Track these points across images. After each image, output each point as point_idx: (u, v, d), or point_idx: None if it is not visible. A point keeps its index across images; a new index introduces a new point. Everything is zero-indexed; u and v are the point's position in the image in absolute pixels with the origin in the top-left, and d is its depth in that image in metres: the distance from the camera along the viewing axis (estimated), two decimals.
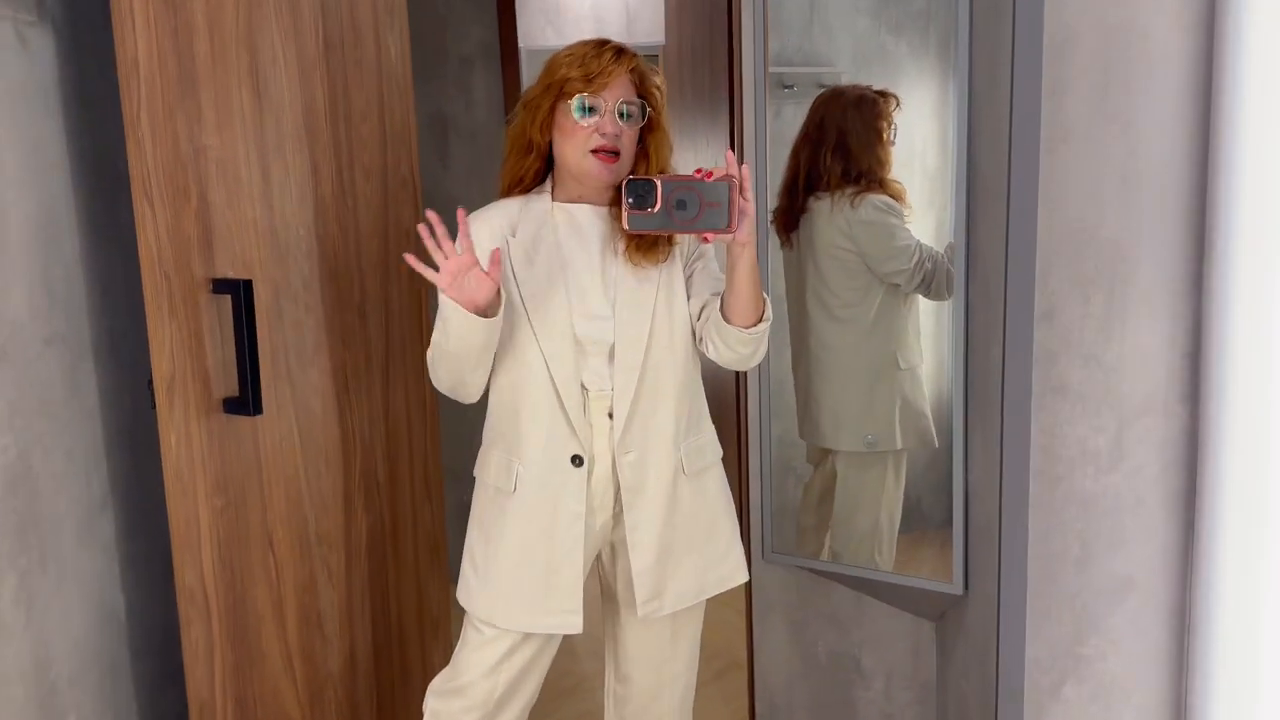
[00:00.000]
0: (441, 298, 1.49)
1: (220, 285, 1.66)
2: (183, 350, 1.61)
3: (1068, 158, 1.15)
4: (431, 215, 1.45)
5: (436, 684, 1.72)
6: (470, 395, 1.62)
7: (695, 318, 1.63)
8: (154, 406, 1.61)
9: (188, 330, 1.62)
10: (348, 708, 1.99)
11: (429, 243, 1.44)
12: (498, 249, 1.47)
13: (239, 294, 1.66)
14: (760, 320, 1.53)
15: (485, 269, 1.46)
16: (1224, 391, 1.01)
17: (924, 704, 2.13)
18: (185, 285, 1.61)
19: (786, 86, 2.04)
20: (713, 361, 1.63)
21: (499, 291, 1.49)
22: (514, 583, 1.63)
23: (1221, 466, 1.03)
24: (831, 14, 1.98)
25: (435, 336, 1.56)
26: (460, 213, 1.46)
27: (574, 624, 1.63)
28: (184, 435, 1.63)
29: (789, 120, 2.04)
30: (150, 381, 1.61)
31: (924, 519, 2.00)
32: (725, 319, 1.53)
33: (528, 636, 1.66)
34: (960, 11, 1.73)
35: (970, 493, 1.83)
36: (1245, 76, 0.96)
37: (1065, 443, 1.21)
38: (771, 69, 2.01)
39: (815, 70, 2.03)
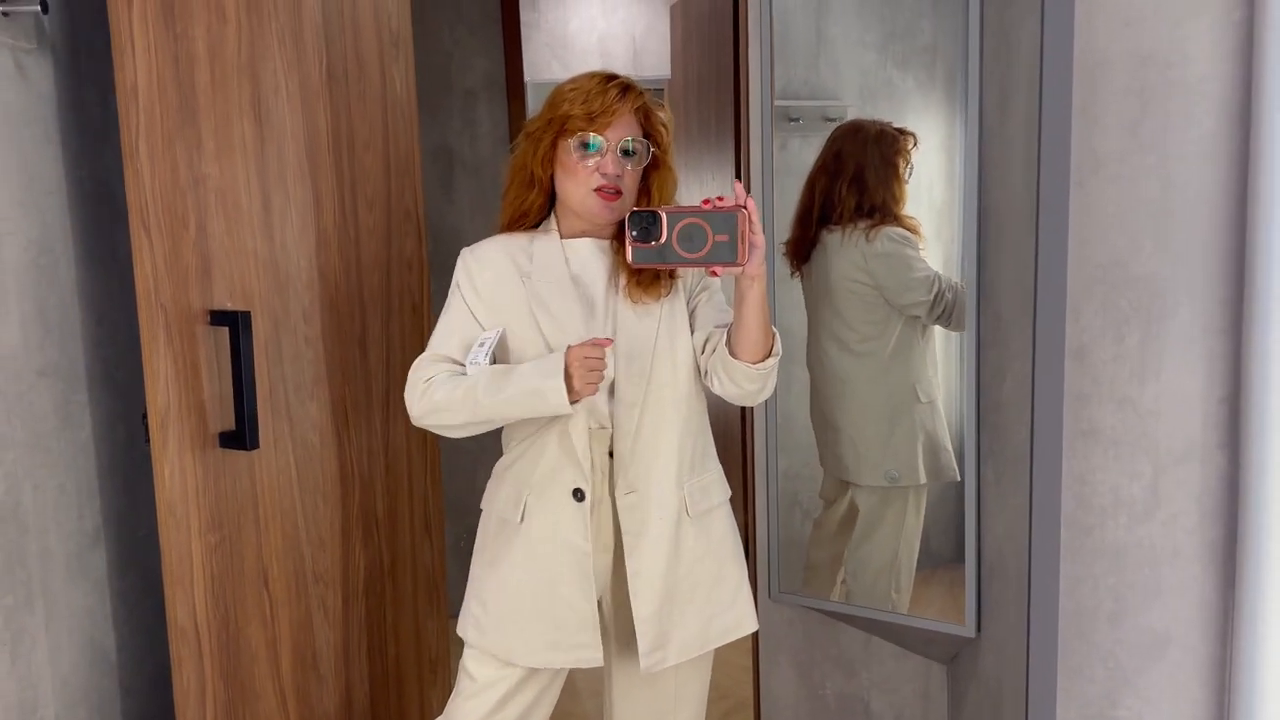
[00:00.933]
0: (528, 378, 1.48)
1: (218, 317, 1.63)
2: (178, 383, 1.58)
3: (1100, 190, 1.11)
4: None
5: None
6: (457, 435, 1.58)
7: (699, 351, 1.58)
8: (148, 440, 1.57)
9: (184, 362, 1.59)
10: None
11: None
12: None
13: (237, 326, 1.63)
14: (769, 355, 1.47)
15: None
16: (1265, 437, 0.96)
17: None
18: (182, 316, 1.59)
19: (792, 119, 2.03)
20: (718, 396, 1.59)
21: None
22: (531, 616, 1.58)
23: (1263, 516, 0.97)
24: (838, 48, 1.97)
25: (470, 395, 1.51)
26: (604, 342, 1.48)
27: (593, 657, 1.57)
28: (178, 469, 1.59)
29: (795, 153, 2.02)
30: (145, 415, 1.57)
31: (932, 556, 1.95)
32: (732, 354, 1.47)
33: (522, 684, 1.61)
34: (970, 44, 1.72)
35: (982, 531, 1.78)
36: None
37: (1097, 490, 1.15)
38: (777, 102, 2.00)
39: (821, 103, 2.01)
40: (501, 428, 1.61)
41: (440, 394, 1.52)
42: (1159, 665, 1.15)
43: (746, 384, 1.49)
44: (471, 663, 1.63)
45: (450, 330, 1.58)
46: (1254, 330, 0.98)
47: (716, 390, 1.56)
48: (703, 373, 1.58)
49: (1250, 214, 0.98)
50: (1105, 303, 1.12)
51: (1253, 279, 0.98)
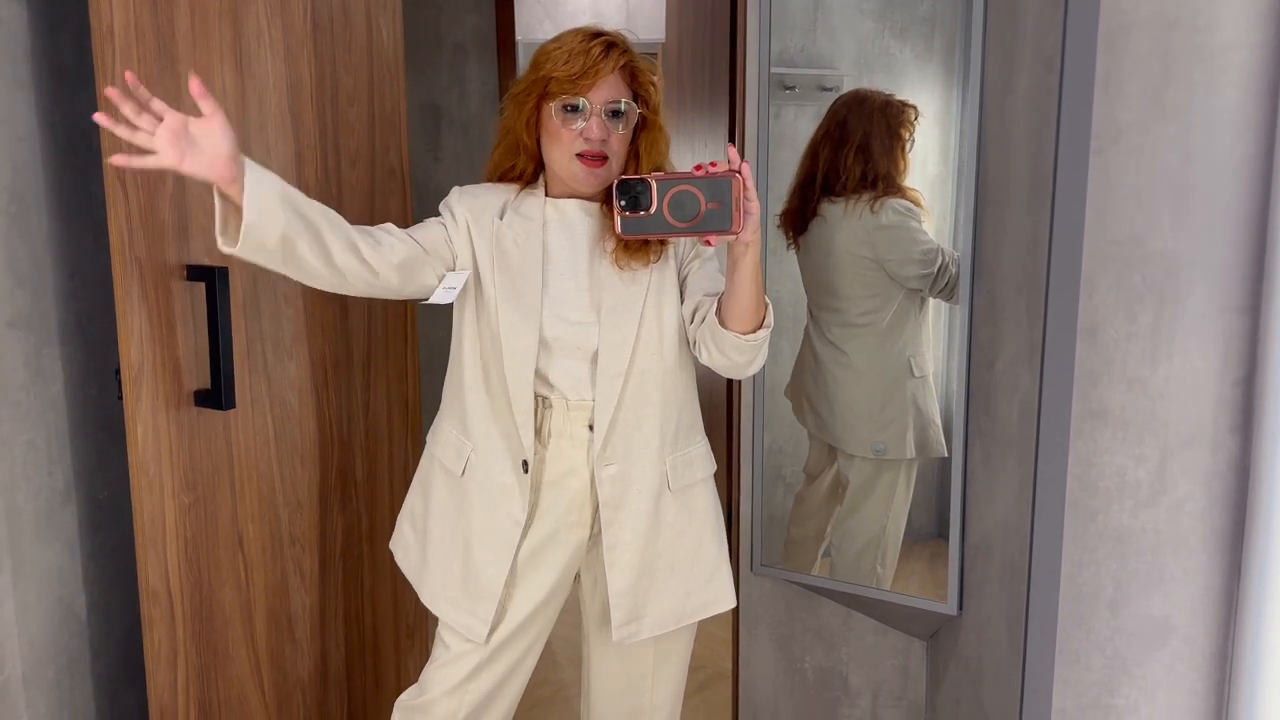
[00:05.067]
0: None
1: (195, 272, 1.58)
2: (152, 339, 1.54)
3: (1118, 161, 1.06)
4: (129, 76, 1.21)
5: (404, 699, 1.65)
6: (338, 277, 1.40)
7: (688, 320, 1.52)
8: (120, 397, 1.53)
9: (159, 318, 1.54)
10: (317, 715, 1.91)
11: (122, 117, 1.20)
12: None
13: (214, 281, 1.58)
14: (760, 326, 1.42)
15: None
16: (1278, 422, 0.94)
17: None
18: (157, 271, 1.54)
19: (788, 88, 1.98)
20: (706, 367, 1.55)
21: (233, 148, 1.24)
22: (443, 564, 1.58)
23: (1273, 504, 0.95)
24: (835, 16, 1.93)
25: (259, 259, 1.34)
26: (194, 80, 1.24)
27: (479, 632, 1.55)
28: (151, 428, 1.55)
29: (789, 122, 1.98)
30: (117, 371, 1.53)
31: (913, 530, 1.94)
32: (722, 323, 1.42)
33: (496, 655, 1.59)
34: (974, 15, 1.68)
35: (967, 510, 1.77)
36: None
37: (1103, 473, 1.12)
38: (773, 70, 1.95)
39: (818, 72, 1.97)
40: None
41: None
42: (1158, 655, 1.13)
43: (736, 355, 1.44)
44: (447, 632, 1.60)
45: (419, 227, 1.53)
46: (1273, 310, 0.95)
47: (704, 361, 1.51)
48: (690, 342, 1.53)
49: (1273, 189, 0.94)
50: (1119, 279, 1.08)
51: (1273, 256, 0.94)
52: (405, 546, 1.67)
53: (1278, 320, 0.94)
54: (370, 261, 1.42)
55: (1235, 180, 1.02)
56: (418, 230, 1.53)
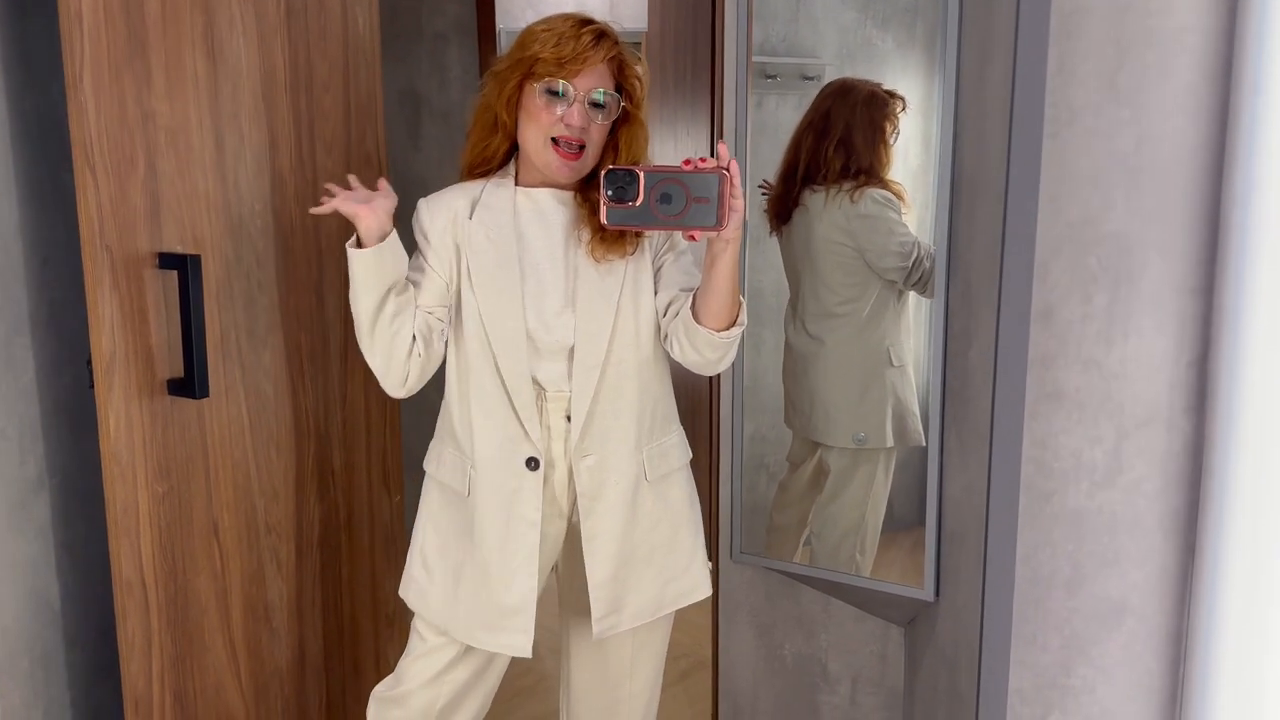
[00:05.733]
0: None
1: (167, 259, 1.57)
2: (125, 327, 1.53)
3: (1073, 143, 1.06)
4: (352, 178, 1.50)
5: (380, 690, 1.64)
6: (394, 374, 1.51)
7: (661, 314, 1.52)
8: (92, 385, 1.52)
9: (131, 306, 1.54)
10: (295, 704, 1.91)
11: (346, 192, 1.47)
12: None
13: (186, 269, 1.57)
14: (734, 324, 1.42)
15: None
16: (1232, 403, 0.93)
17: (890, 710, 2.08)
18: (129, 259, 1.53)
19: (769, 77, 1.98)
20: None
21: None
22: (469, 594, 1.54)
23: (1227, 484, 0.95)
24: (817, 5, 1.92)
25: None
26: (381, 182, 1.51)
27: (523, 646, 1.53)
28: (124, 417, 1.54)
29: (771, 111, 1.97)
30: (89, 359, 1.52)
31: (895, 520, 1.95)
32: (696, 319, 1.42)
33: (473, 648, 1.58)
34: (952, 3, 1.67)
35: (944, 497, 1.78)
36: (1270, 60, 0.88)
37: (1059, 454, 1.12)
38: (755, 58, 1.95)
39: (799, 61, 1.97)
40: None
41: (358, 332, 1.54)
42: (1114, 635, 1.13)
43: (708, 352, 1.44)
44: (422, 624, 1.60)
45: (416, 285, 1.53)
46: (1225, 292, 0.95)
47: (675, 356, 1.51)
48: (662, 336, 1.53)
49: (1227, 171, 0.94)
50: (1074, 261, 1.08)
51: (1226, 238, 0.94)
52: (420, 591, 1.60)
53: (1231, 301, 0.94)
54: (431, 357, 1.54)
55: (1189, 162, 1.02)
56: (422, 287, 1.52)
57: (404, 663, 1.62)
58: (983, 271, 1.53)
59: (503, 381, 1.48)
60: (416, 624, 1.61)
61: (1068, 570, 1.15)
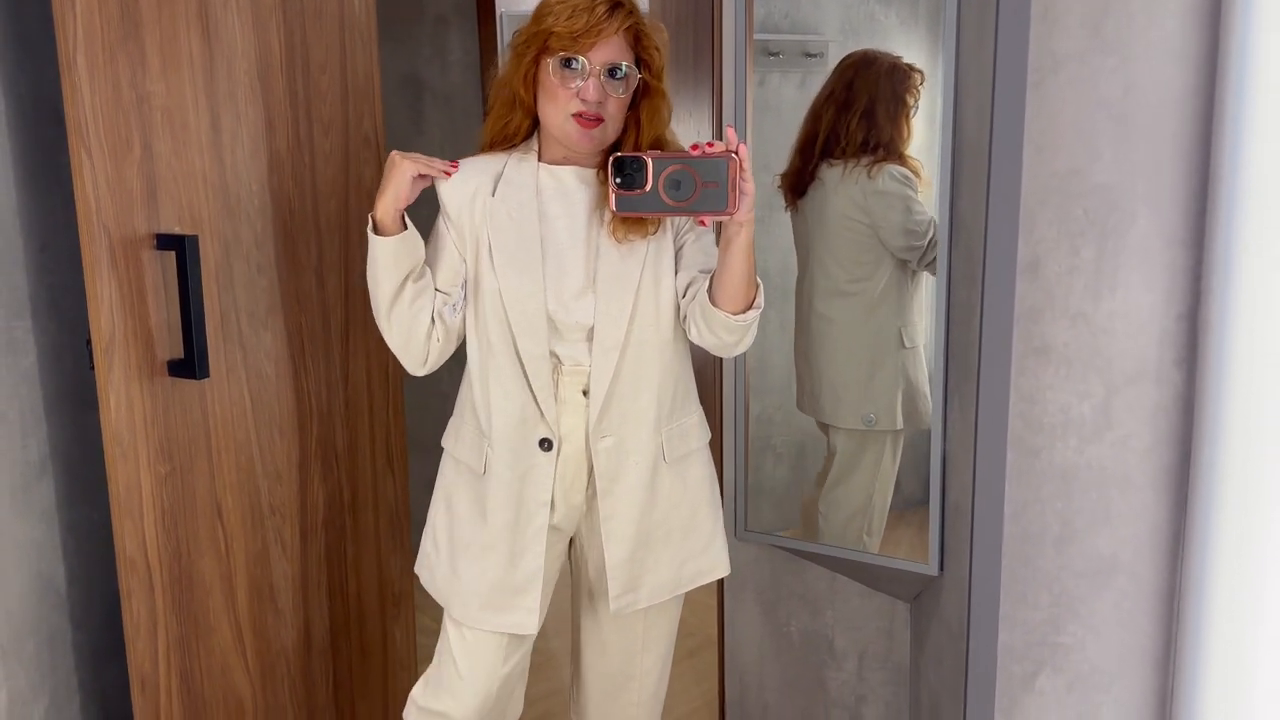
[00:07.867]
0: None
1: (165, 241, 1.57)
2: (123, 309, 1.53)
3: (1057, 92, 1.04)
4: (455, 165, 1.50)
5: (418, 697, 1.63)
6: (414, 354, 1.53)
7: (681, 294, 1.50)
8: (93, 367, 1.53)
9: (129, 288, 1.54)
10: (302, 684, 1.92)
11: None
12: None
13: (184, 250, 1.57)
14: (750, 307, 1.41)
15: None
16: (1223, 357, 0.92)
17: (896, 685, 2.08)
18: (126, 240, 1.53)
19: (772, 54, 1.96)
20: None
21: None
22: (478, 573, 1.54)
23: (1218, 439, 0.93)
24: None
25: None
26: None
27: (529, 624, 1.53)
28: (124, 398, 1.54)
29: (774, 88, 1.96)
30: (89, 340, 1.52)
31: (903, 498, 1.94)
32: (713, 302, 1.41)
33: (515, 641, 1.58)
34: None
35: (947, 470, 1.77)
36: (1258, 4, 0.86)
37: (1047, 410, 1.10)
38: (757, 35, 1.93)
39: (802, 38, 1.95)
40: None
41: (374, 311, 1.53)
42: (1105, 593, 1.12)
43: (725, 335, 1.43)
44: (438, 600, 1.60)
45: (435, 262, 1.52)
46: (1216, 242, 0.94)
47: (693, 338, 1.50)
48: (681, 317, 1.52)
49: (1215, 120, 0.93)
50: (1060, 213, 1.07)
51: (1215, 189, 0.93)
52: (430, 566, 1.61)
53: (1221, 253, 0.93)
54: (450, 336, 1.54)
55: (1177, 112, 1.00)
56: (440, 264, 1.52)
57: (447, 678, 1.60)
58: (981, 237, 1.51)
59: (521, 362, 1.48)
60: (448, 618, 1.60)
61: (1057, 527, 1.13)
